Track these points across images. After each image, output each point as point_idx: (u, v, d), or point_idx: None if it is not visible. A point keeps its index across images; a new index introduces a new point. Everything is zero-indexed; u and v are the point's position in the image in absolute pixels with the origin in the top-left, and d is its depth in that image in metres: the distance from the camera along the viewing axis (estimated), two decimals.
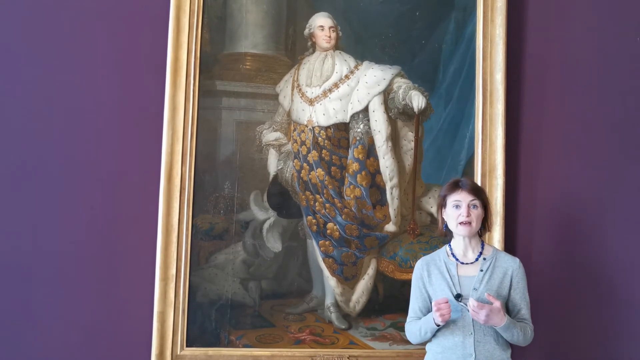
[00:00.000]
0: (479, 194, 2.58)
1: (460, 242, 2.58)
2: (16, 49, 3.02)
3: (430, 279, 2.57)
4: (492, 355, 2.46)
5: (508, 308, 2.56)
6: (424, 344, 2.58)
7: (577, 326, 3.13)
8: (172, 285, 2.96)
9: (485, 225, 2.61)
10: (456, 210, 2.53)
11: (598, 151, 3.21)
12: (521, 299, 2.54)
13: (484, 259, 2.56)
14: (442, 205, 2.61)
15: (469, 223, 2.51)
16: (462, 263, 2.56)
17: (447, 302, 2.42)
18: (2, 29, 3.02)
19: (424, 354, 2.60)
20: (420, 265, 2.63)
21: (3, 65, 3.01)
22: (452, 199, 2.55)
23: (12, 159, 2.99)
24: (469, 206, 2.53)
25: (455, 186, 2.57)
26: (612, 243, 3.16)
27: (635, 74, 3.25)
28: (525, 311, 2.54)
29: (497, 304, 2.40)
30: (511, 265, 2.56)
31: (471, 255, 2.57)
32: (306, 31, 3.15)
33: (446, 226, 2.60)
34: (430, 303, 2.56)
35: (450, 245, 2.62)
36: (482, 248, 2.59)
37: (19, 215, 2.98)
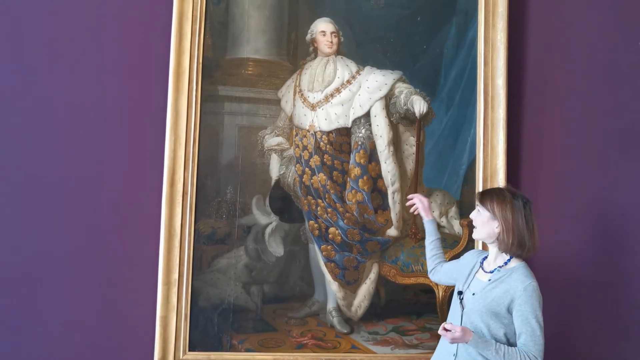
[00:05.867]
0: (483, 200, 2.55)
1: (492, 250, 2.58)
2: (19, 54, 3.03)
3: (463, 265, 2.64)
4: (473, 358, 2.43)
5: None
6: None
7: (579, 330, 3.14)
8: (174, 289, 2.97)
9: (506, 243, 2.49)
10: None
11: (599, 155, 3.22)
12: (523, 324, 2.39)
13: (499, 271, 2.51)
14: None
15: (474, 225, 2.56)
16: (484, 270, 2.57)
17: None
18: (5, 35, 3.04)
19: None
20: (471, 251, 2.73)
21: (5, 70, 3.03)
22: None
23: (15, 163, 3.00)
24: (476, 210, 2.57)
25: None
26: (615, 246, 3.17)
27: (636, 78, 3.25)
28: (525, 338, 2.38)
29: (457, 330, 2.35)
30: (516, 286, 2.43)
31: (492, 265, 2.55)
32: (308, 36, 3.17)
33: None
34: (454, 278, 2.68)
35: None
36: (506, 263, 2.52)
37: (21, 220, 2.99)
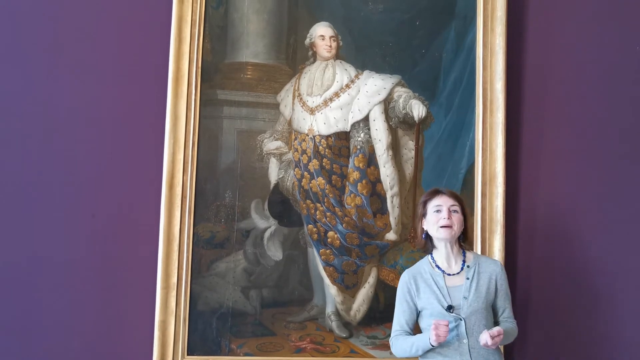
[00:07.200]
0: (459, 199, 2.63)
1: (442, 252, 2.60)
2: (18, 59, 3.04)
3: (418, 292, 2.58)
4: (487, 359, 2.48)
5: (493, 310, 2.60)
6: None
7: (577, 333, 3.13)
8: (173, 293, 2.97)
9: (465, 237, 2.65)
10: (437, 215, 2.57)
11: (598, 159, 3.22)
12: (505, 299, 2.59)
13: (468, 266, 2.58)
14: (422, 215, 2.63)
15: (450, 226, 2.54)
16: (449, 274, 2.58)
17: (447, 325, 2.42)
18: (5, 40, 3.05)
19: None
20: (406, 278, 2.62)
21: (4, 75, 3.03)
22: (433, 204, 2.59)
23: (14, 167, 3.01)
24: (449, 210, 2.56)
25: (436, 192, 2.63)
26: (613, 250, 3.16)
27: (635, 82, 3.25)
28: (509, 311, 2.61)
29: (501, 334, 2.43)
30: (494, 269, 2.60)
31: (455, 266, 2.59)
32: (307, 40, 3.17)
33: (426, 236, 2.63)
34: (417, 316, 2.60)
35: (432, 256, 2.64)
36: (464, 256, 2.61)
37: (20, 224, 2.99)
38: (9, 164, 3.01)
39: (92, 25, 3.07)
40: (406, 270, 2.67)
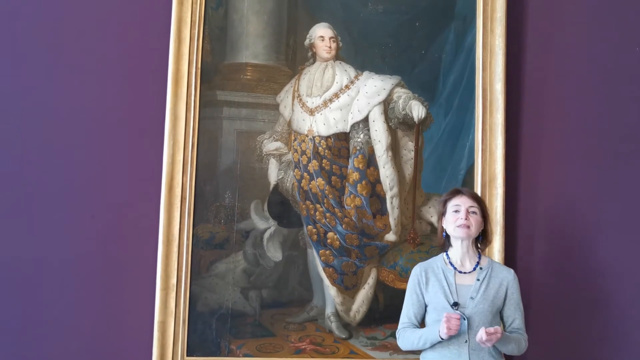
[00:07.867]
0: (479, 201, 2.64)
1: (458, 251, 2.61)
2: (18, 60, 3.04)
3: (427, 285, 2.59)
4: None
5: (502, 318, 2.60)
6: (418, 352, 2.60)
7: (577, 334, 3.13)
8: (172, 294, 2.97)
9: (485, 239, 2.64)
10: (455, 214, 2.58)
11: (598, 160, 3.22)
12: (515, 309, 2.58)
13: (481, 268, 2.59)
14: (442, 213, 2.65)
15: (468, 226, 2.55)
16: (460, 272, 2.58)
17: (458, 319, 2.42)
18: (5, 41, 3.05)
19: None
20: (418, 271, 2.64)
21: (4, 76, 3.04)
22: (452, 204, 2.60)
23: (14, 167, 3.01)
24: (467, 211, 2.57)
25: (457, 192, 2.65)
26: (612, 251, 3.16)
27: (634, 83, 3.26)
28: (519, 322, 2.59)
29: (498, 332, 2.41)
30: (506, 276, 2.59)
31: (468, 265, 2.60)
32: (307, 41, 3.17)
33: (445, 235, 2.63)
34: (426, 310, 2.60)
35: (447, 253, 2.64)
36: (479, 258, 2.62)
37: (20, 224, 2.99)
38: (9, 164, 3.01)
39: (92, 26, 3.07)
40: (419, 263, 2.69)
